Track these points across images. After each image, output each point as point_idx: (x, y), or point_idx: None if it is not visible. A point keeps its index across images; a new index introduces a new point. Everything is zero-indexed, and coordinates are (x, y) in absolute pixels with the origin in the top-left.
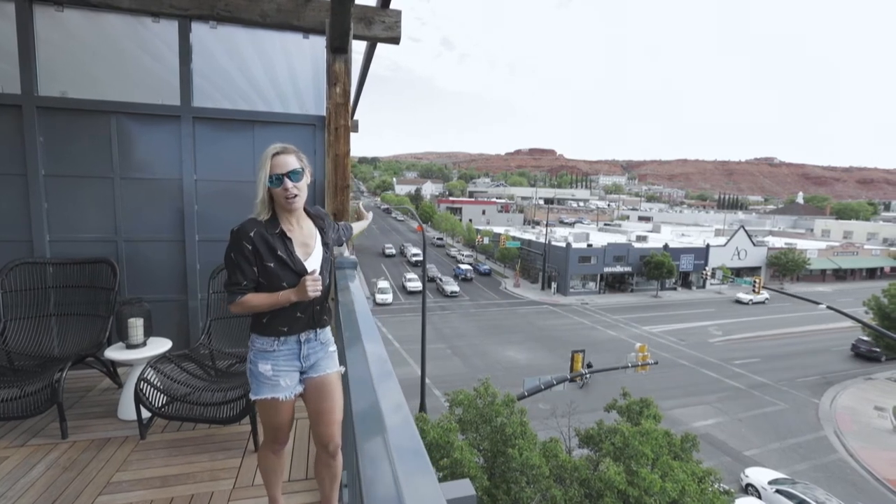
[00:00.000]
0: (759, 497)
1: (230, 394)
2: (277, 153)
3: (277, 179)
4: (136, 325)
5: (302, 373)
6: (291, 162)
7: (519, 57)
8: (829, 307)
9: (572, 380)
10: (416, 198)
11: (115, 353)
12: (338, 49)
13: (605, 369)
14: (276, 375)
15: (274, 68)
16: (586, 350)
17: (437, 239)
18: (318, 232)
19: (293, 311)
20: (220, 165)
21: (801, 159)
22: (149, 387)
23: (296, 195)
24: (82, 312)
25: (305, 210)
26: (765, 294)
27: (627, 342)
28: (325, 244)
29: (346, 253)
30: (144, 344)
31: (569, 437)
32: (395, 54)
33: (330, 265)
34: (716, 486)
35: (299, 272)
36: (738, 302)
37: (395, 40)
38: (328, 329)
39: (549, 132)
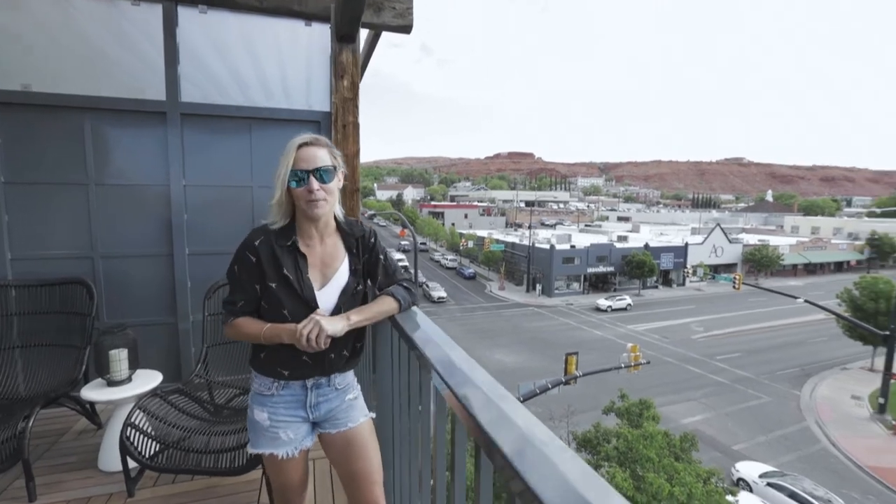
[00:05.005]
0: (751, 491)
1: (234, 438)
2: (306, 143)
3: (301, 177)
4: (119, 358)
5: (314, 423)
6: (322, 156)
7: (497, 61)
8: (806, 301)
9: (566, 382)
10: (397, 203)
11: (94, 392)
12: (345, 38)
13: (598, 370)
14: (275, 427)
15: (272, 59)
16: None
17: (420, 244)
18: (346, 253)
19: (297, 352)
20: (213, 169)
21: (768, 159)
22: (137, 433)
23: (321, 199)
24: (53, 343)
25: (336, 222)
26: (627, 300)
27: (614, 341)
28: (353, 271)
29: None
30: (130, 379)
31: (569, 441)
32: (374, 59)
33: (361, 299)
34: (720, 486)
35: (307, 300)
36: (598, 310)
37: (407, 29)
38: (349, 372)
39: (527, 135)
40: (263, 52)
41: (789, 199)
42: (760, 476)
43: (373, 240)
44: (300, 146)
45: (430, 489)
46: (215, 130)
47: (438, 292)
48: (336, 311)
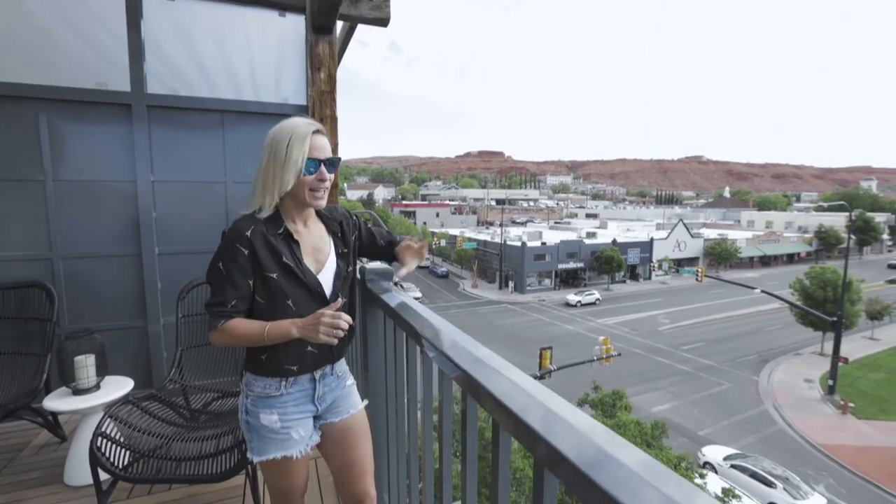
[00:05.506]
0: (717, 472)
1: (213, 444)
2: (318, 131)
3: (314, 166)
4: (86, 365)
5: (316, 417)
6: (329, 146)
7: (466, 61)
8: (763, 291)
9: (541, 377)
10: (368, 203)
11: (58, 402)
12: (322, 29)
13: (572, 364)
14: (287, 427)
15: (245, 50)
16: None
17: None
18: (331, 238)
19: (302, 345)
20: (184, 164)
21: (725, 157)
22: (109, 443)
23: (326, 189)
24: (9, 351)
25: (316, 209)
26: (595, 294)
27: (585, 335)
28: (340, 254)
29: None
30: (98, 387)
31: None
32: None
33: (350, 284)
34: (689, 471)
35: (311, 286)
36: (568, 304)
37: (384, 21)
38: (343, 359)
39: (497, 134)
40: (236, 42)
41: (745, 195)
42: (724, 458)
43: (355, 217)
44: (314, 132)
45: (434, 472)
46: (186, 124)
47: (413, 292)
48: (334, 295)
